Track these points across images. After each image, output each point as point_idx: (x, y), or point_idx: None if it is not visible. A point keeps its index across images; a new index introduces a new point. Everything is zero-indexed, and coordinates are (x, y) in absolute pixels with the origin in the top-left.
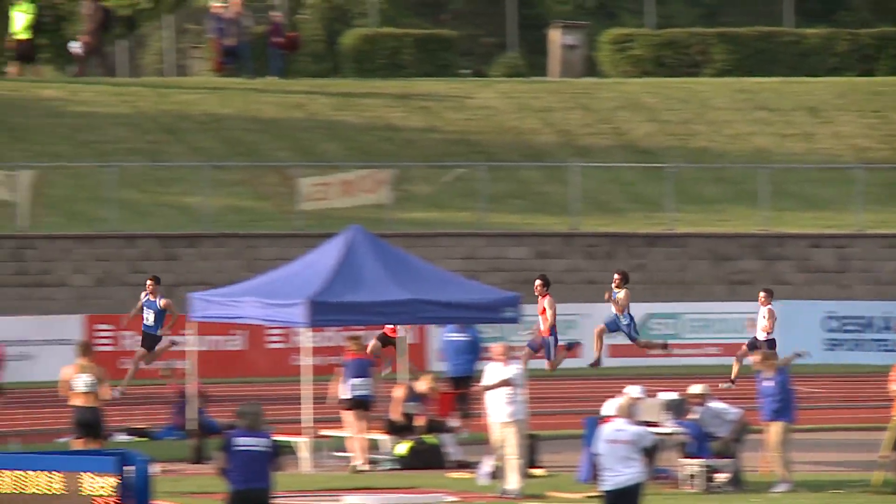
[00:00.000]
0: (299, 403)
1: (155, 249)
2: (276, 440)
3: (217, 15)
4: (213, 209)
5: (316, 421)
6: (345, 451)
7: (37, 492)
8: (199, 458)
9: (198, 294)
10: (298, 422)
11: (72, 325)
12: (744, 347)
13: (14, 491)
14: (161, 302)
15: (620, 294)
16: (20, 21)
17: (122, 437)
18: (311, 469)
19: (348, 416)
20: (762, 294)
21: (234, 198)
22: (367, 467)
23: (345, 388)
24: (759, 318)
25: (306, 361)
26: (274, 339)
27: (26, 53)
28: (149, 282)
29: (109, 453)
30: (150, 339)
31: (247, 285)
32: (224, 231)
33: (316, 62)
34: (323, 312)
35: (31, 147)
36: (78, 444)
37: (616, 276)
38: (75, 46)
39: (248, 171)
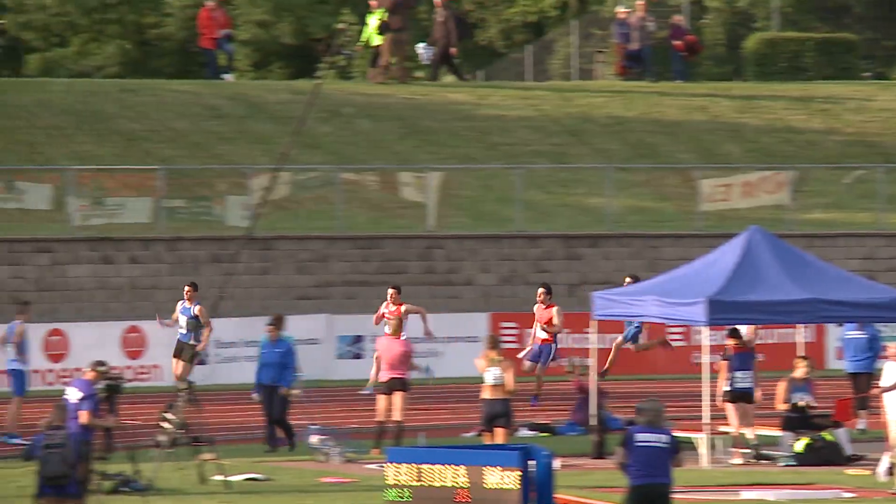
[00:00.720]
0: (699, 400)
1: (558, 249)
2: (675, 436)
3: (622, 20)
4: (616, 210)
5: (714, 418)
6: (743, 448)
7: (443, 484)
8: (599, 453)
9: (599, 293)
10: (698, 418)
11: (478, 323)
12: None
13: (420, 484)
14: (195, 309)
15: None
16: (373, 27)
17: (526, 433)
18: (709, 465)
19: (731, 409)
20: None
21: (636, 199)
22: (747, 458)
23: (728, 382)
24: None
25: (706, 359)
26: (674, 337)
27: (374, 58)
28: (187, 288)
29: (513, 448)
30: (182, 349)
31: (647, 284)
32: (626, 231)
33: (718, 65)
34: (722, 311)
35: (440, 150)
36: (488, 438)
37: (628, 278)
38: (421, 48)
39: (650, 172)
